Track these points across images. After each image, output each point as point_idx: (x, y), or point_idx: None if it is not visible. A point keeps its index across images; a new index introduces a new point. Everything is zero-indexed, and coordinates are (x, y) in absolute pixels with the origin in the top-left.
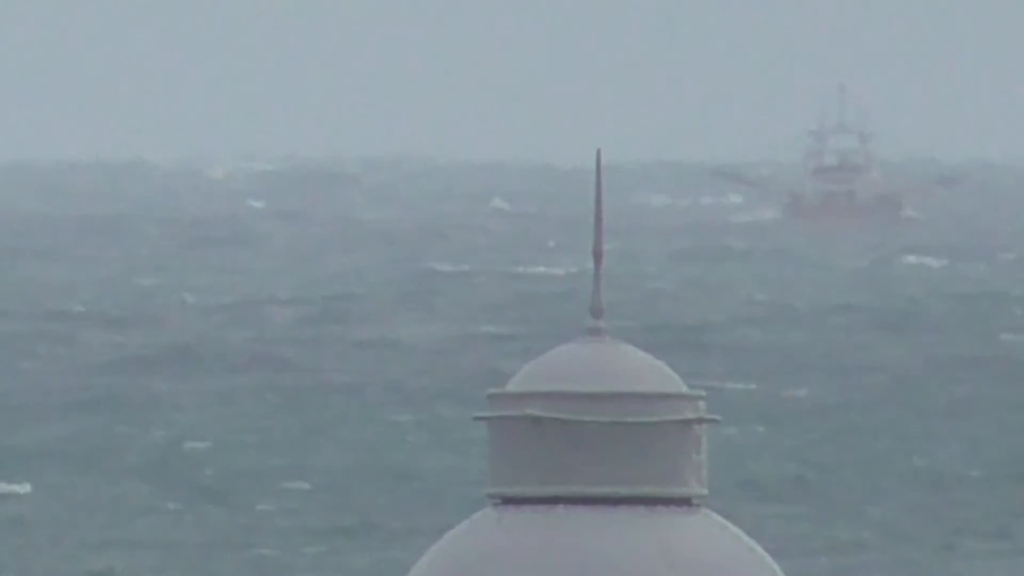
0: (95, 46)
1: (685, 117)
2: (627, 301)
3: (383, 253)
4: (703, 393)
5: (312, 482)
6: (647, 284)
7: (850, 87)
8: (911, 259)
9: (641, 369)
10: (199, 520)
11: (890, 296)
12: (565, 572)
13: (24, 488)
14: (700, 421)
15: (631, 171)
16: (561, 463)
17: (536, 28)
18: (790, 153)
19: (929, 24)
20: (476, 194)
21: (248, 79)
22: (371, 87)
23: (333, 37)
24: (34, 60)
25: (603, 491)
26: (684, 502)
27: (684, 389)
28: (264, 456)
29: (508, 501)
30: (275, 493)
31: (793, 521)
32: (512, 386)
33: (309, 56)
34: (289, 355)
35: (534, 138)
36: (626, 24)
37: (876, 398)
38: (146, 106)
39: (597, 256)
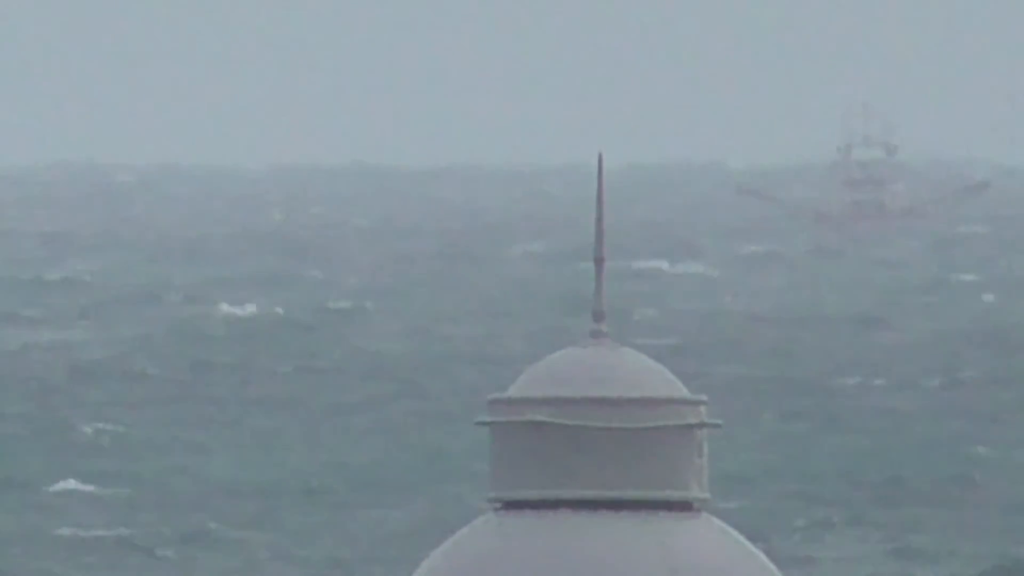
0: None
1: (711, 132)
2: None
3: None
4: (704, 398)
5: None
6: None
7: (874, 99)
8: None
9: (643, 374)
10: None
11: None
12: (566, 575)
13: None
14: (702, 426)
15: (654, 180)
16: (563, 467)
17: (541, 29)
18: (817, 167)
19: (951, 34)
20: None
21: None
22: (357, 94)
23: (333, 37)
24: None
25: (605, 495)
26: (685, 506)
27: (686, 394)
28: None
29: (510, 505)
30: None
31: None
32: (515, 391)
33: (306, 59)
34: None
35: (556, 143)
36: (650, 40)
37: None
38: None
39: (598, 261)
